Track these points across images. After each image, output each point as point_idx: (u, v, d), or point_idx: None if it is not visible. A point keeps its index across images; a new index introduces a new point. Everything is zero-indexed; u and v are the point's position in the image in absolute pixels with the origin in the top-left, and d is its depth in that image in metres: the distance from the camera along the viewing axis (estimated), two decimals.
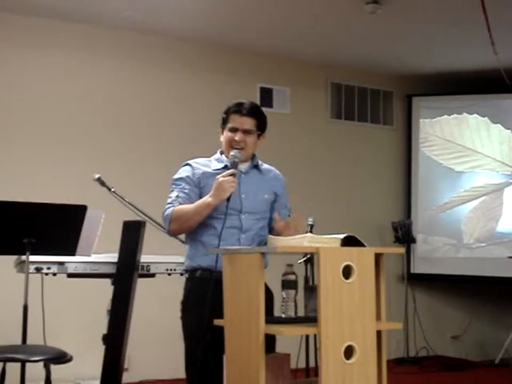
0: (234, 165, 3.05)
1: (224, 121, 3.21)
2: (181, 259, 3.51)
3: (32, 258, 3.72)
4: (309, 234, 2.82)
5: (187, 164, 3.23)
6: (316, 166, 6.96)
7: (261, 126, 3.22)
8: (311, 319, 2.68)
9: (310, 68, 6.97)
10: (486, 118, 7.15)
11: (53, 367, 3.30)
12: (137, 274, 3.87)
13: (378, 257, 2.75)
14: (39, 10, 5.53)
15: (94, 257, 4.02)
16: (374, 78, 7.31)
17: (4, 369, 3.41)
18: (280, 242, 2.79)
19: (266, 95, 6.73)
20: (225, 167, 3.11)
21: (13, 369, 3.54)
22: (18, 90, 5.62)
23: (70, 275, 4.05)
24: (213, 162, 3.21)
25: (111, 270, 4.00)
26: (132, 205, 4.28)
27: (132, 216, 4.17)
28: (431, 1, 5.42)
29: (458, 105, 7.26)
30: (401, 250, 3.37)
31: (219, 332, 2.84)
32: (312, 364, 4.90)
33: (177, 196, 3.13)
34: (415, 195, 7.36)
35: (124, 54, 6.05)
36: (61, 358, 3.23)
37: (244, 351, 2.66)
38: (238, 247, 3.03)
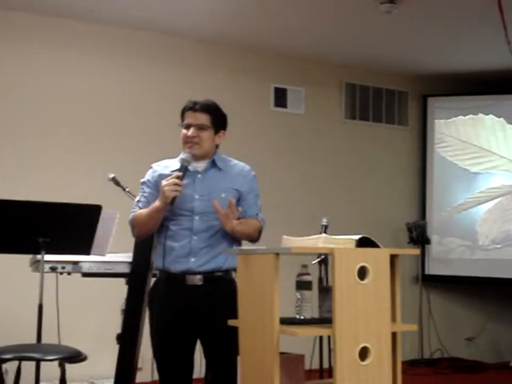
0: (182, 167, 3.04)
1: (182, 120, 3.20)
2: None
3: (47, 257, 3.74)
4: (323, 235, 2.81)
5: (151, 167, 3.26)
6: (330, 167, 6.94)
7: (218, 122, 3.16)
8: (325, 320, 2.67)
9: (324, 68, 6.96)
10: (501, 119, 7.11)
11: (68, 366, 3.32)
12: (151, 274, 3.87)
13: (393, 258, 2.74)
14: (56, 10, 5.56)
15: (108, 257, 4.04)
16: (389, 78, 7.29)
17: (19, 368, 3.43)
18: (295, 243, 2.78)
19: (281, 95, 6.72)
20: (181, 167, 3.09)
21: (28, 368, 3.56)
22: (33, 89, 5.64)
23: (85, 274, 4.07)
24: (175, 163, 3.18)
25: (125, 269, 4.01)
26: None
27: None
28: (447, 1, 5.39)
29: (474, 105, 7.22)
30: (417, 251, 3.36)
31: (177, 330, 3.02)
32: (326, 364, 4.91)
33: (138, 201, 3.18)
34: (430, 196, 7.32)
35: (139, 53, 6.06)
36: (76, 357, 3.24)
37: (258, 351, 2.66)
38: (249, 248, 3.02)
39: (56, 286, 4.19)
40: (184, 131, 3.15)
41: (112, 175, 4.34)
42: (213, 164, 3.16)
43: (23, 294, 4.94)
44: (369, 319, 2.57)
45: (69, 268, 3.97)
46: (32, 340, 3.66)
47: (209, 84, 6.28)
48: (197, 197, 3.07)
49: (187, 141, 3.12)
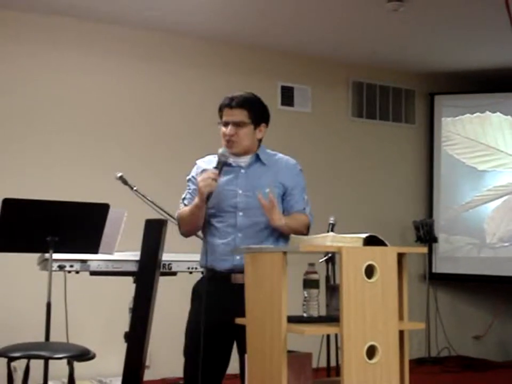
0: (219, 163, 2.99)
1: (220, 117, 3.12)
2: None
3: (55, 256, 3.75)
4: (331, 233, 2.81)
5: (196, 163, 3.22)
6: (337, 165, 6.94)
7: (258, 116, 3.09)
8: (333, 318, 2.67)
9: (331, 66, 6.96)
10: (509, 117, 7.09)
11: (76, 364, 3.33)
12: (159, 272, 3.89)
13: (400, 256, 2.74)
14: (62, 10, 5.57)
15: (116, 256, 4.05)
16: (395, 76, 7.28)
17: (27, 366, 3.45)
18: (303, 241, 2.79)
19: (288, 94, 6.72)
20: (218, 163, 3.03)
21: (36, 367, 3.57)
22: (40, 88, 5.66)
23: (93, 273, 4.08)
24: (215, 159, 3.11)
25: (133, 268, 4.02)
26: (154, 204, 4.29)
27: (154, 215, 4.19)
28: None
29: (481, 103, 7.20)
30: (424, 250, 3.35)
31: (217, 329, 2.95)
32: (333, 363, 4.91)
33: (183, 198, 3.15)
34: (437, 194, 7.32)
35: (146, 53, 6.07)
36: (84, 355, 3.26)
37: (266, 350, 2.66)
38: (259, 246, 3.01)
39: (65, 285, 4.20)
40: (223, 129, 3.07)
41: (119, 174, 4.35)
42: (257, 159, 3.10)
43: (31, 292, 4.96)
44: (377, 318, 2.57)
45: (77, 266, 3.97)
46: (41, 338, 3.67)
47: (216, 83, 6.28)
48: (240, 192, 3.02)
49: (226, 139, 3.05)
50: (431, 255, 7.13)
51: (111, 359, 4.81)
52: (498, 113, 7.12)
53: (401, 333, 2.68)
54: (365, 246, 2.66)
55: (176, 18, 5.80)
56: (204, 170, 3.06)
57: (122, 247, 4.09)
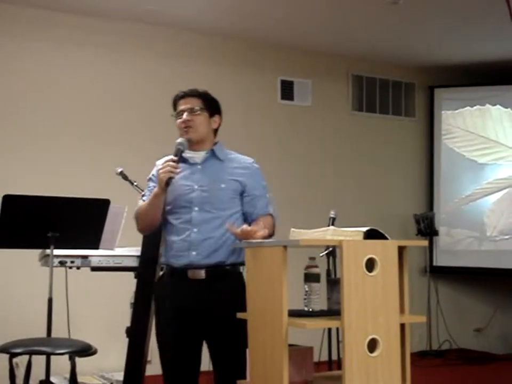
0: (177, 152, 2.98)
1: (174, 111, 3.12)
2: None
3: (56, 252, 3.76)
4: (331, 227, 2.81)
5: (155, 164, 3.21)
6: (337, 159, 6.94)
7: (211, 105, 3.11)
8: (334, 312, 2.68)
9: (331, 60, 6.95)
10: (509, 109, 7.09)
11: (78, 360, 3.33)
12: (160, 267, 3.89)
13: (401, 250, 2.74)
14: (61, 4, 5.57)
15: (117, 251, 4.05)
16: (395, 69, 7.27)
17: (29, 362, 3.45)
18: (303, 235, 2.79)
19: (287, 88, 6.72)
20: (175, 150, 3.03)
21: (38, 362, 3.58)
22: (40, 84, 5.66)
23: (94, 268, 4.09)
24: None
25: (134, 263, 4.03)
26: None
27: None
28: None
29: (481, 96, 7.20)
30: (425, 243, 3.36)
31: (180, 328, 2.97)
32: (334, 356, 4.92)
33: (143, 195, 3.16)
34: (438, 187, 7.32)
35: (145, 48, 6.07)
36: (86, 350, 3.26)
37: (267, 344, 2.67)
38: (258, 241, 3.01)
39: (66, 280, 4.21)
40: (178, 120, 3.08)
41: (120, 169, 4.34)
42: (213, 154, 3.09)
43: (32, 288, 4.97)
44: (378, 311, 2.58)
45: (78, 262, 3.98)
46: (43, 334, 3.68)
47: (216, 77, 6.28)
48: (196, 187, 3.01)
49: (181, 126, 3.06)
50: (431, 248, 7.13)
51: (112, 354, 4.81)
52: (498, 106, 7.11)
53: (402, 326, 2.69)
54: (366, 240, 2.66)
55: (174, 13, 5.79)
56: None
57: (123, 243, 4.09)
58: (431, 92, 7.42)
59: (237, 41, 6.44)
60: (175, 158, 2.95)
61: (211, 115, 3.10)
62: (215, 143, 3.14)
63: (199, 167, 3.06)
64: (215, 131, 3.16)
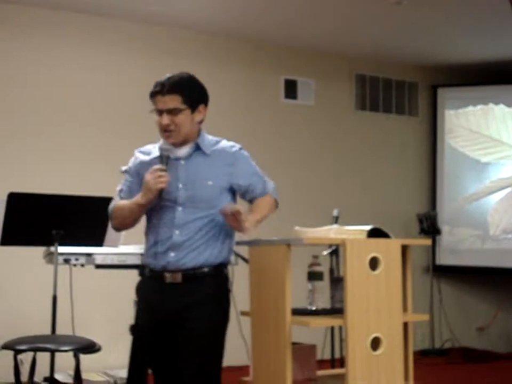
0: (162, 158, 2.74)
1: (153, 104, 2.79)
2: None
3: (61, 249, 3.77)
4: (335, 226, 2.83)
5: (134, 153, 3.00)
6: (340, 158, 6.95)
7: (193, 98, 2.77)
8: (337, 310, 2.69)
9: (334, 59, 6.95)
10: None
11: (82, 357, 3.35)
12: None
13: (404, 248, 2.76)
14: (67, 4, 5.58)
15: (121, 249, 4.06)
16: (399, 69, 7.27)
17: (34, 359, 3.46)
18: (307, 234, 2.80)
19: (291, 87, 6.72)
20: (161, 157, 2.78)
21: (42, 359, 3.60)
22: (45, 82, 5.67)
23: (98, 266, 4.09)
24: (155, 149, 2.87)
25: (138, 261, 4.03)
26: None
27: None
28: None
29: (484, 95, 7.19)
30: (428, 242, 3.37)
31: (155, 330, 2.79)
32: (337, 354, 4.93)
33: (120, 190, 2.93)
34: (441, 186, 7.32)
35: (149, 47, 6.07)
36: (90, 348, 3.27)
37: (271, 342, 2.68)
38: (261, 239, 3.00)
39: (70, 278, 4.22)
40: (157, 118, 2.76)
41: (124, 168, 4.34)
42: (197, 148, 2.80)
43: (37, 285, 4.99)
44: (381, 310, 2.59)
45: (82, 259, 3.99)
46: (47, 331, 3.70)
47: (220, 76, 6.29)
48: (180, 186, 2.75)
49: (162, 129, 2.76)
50: (434, 247, 7.13)
51: (116, 351, 4.83)
52: (501, 105, 7.11)
53: (405, 324, 2.70)
54: (369, 238, 2.68)
55: (179, 13, 5.80)
56: (142, 162, 2.88)
57: (127, 240, 4.10)
58: (434, 91, 7.42)
59: (240, 40, 6.45)
60: (164, 167, 2.70)
61: (194, 109, 2.77)
62: (199, 133, 2.84)
63: (182, 162, 2.79)
64: (201, 121, 2.84)
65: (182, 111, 2.73)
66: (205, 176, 2.76)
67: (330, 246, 4.30)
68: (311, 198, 6.63)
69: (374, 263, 2.60)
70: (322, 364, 3.84)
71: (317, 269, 2.76)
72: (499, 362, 6.60)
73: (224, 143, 2.87)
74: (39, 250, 4.14)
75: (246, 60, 6.51)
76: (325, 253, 4.48)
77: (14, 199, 3.60)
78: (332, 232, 2.70)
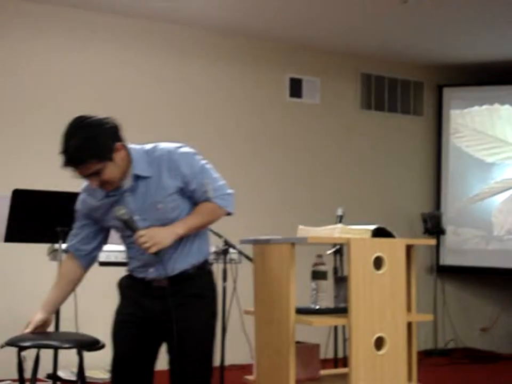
0: (128, 223, 2.63)
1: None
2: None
3: (65, 246, 3.76)
4: (339, 225, 2.82)
5: (79, 195, 2.88)
6: (345, 157, 6.94)
7: (103, 153, 2.56)
8: (341, 310, 2.69)
9: (340, 58, 6.95)
10: None
11: (85, 354, 3.35)
12: None
13: (409, 248, 2.75)
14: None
15: None
16: (404, 68, 7.26)
17: (37, 356, 3.46)
18: (311, 233, 2.80)
19: (296, 86, 6.72)
20: (107, 195, 2.69)
21: (46, 356, 3.60)
22: (53, 80, 5.68)
23: (102, 263, 4.10)
24: (98, 190, 2.72)
25: None
26: None
27: None
28: None
29: (490, 95, 7.18)
30: (433, 242, 3.36)
31: (138, 326, 2.88)
32: (340, 354, 4.93)
33: (74, 235, 2.90)
34: (445, 186, 7.31)
35: (154, 44, 6.08)
36: (94, 345, 3.27)
37: (275, 340, 2.68)
38: (266, 238, 3.01)
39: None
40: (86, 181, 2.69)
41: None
42: (137, 177, 2.67)
43: (41, 282, 4.98)
44: (385, 309, 2.59)
45: None
46: (50, 328, 3.69)
47: (225, 74, 6.29)
48: (137, 217, 2.65)
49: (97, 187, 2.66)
50: (438, 247, 7.13)
51: None
52: (507, 106, 7.09)
53: (409, 324, 2.70)
54: (373, 238, 2.67)
55: (183, 10, 5.80)
56: (90, 208, 2.79)
57: None
58: (440, 90, 7.41)
59: (246, 39, 6.45)
60: (135, 229, 2.62)
61: (111, 157, 2.58)
62: (131, 161, 2.66)
63: (128, 194, 2.68)
64: (126, 155, 2.66)
65: (104, 167, 2.57)
66: (153, 200, 2.66)
67: (334, 245, 4.29)
68: (315, 196, 6.63)
69: (378, 263, 2.60)
70: (325, 363, 3.83)
71: (321, 268, 2.76)
72: (502, 363, 6.59)
73: (159, 150, 2.71)
74: (43, 247, 4.15)
75: (251, 58, 6.51)
76: (329, 252, 4.48)
77: (19, 195, 3.60)
78: (336, 231, 2.70)
